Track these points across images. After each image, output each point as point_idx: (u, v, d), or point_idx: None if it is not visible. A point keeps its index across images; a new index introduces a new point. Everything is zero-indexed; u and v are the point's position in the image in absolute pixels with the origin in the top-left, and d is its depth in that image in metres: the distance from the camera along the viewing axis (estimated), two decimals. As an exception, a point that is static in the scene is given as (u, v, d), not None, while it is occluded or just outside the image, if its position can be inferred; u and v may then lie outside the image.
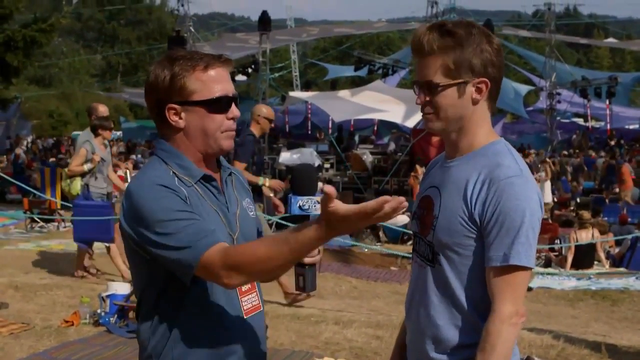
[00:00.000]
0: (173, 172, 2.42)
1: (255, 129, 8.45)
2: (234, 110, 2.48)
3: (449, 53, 2.42)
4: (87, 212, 9.68)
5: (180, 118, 2.43)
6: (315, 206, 2.63)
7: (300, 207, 2.56)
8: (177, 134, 2.46)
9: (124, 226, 2.40)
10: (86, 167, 9.61)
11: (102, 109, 10.09)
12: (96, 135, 9.72)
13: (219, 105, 2.44)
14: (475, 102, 2.47)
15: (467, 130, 2.50)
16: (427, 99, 2.48)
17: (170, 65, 2.42)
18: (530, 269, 2.40)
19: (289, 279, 8.47)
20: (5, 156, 30.74)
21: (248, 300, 2.53)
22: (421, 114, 2.55)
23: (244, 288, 2.51)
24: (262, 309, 2.59)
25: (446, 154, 2.60)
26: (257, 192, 8.52)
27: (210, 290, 2.43)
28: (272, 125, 9.11)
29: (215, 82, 2.44)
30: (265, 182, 8.58)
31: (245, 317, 2.50)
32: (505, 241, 2.36)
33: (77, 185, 9.68)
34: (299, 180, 2.56)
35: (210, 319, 2.43)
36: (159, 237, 2.30)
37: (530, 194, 2.40)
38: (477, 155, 2.48)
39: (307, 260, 2.44)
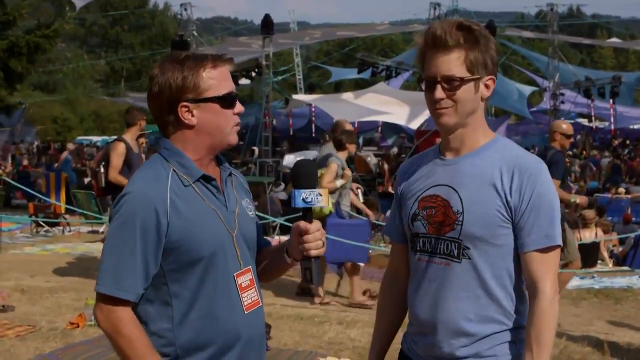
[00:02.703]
0: (174, 169, 2.49)
1: (557, 146, 8.27)
2: (239, 106, 2.58)
3: (472, 48, 2.49)
4: (344, 231, 8.95)
5: (193, 115, 2.50)
6: (317, 198, 2.66)
7: (303, 199, 2.57)
8: (185, 133, 2.52)
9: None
10: (338, 183, 9.04)
11: (349, 126, 9.79)
12: (342, 149, 9.24)
13: (228, 101, 2.53)
14: (483, 99, 2.56)
15: (474, 126, 2.58)
16: (447, 93, 2.51)
17: (180, 65, 2.49)
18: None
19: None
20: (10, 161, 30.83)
21: (248, 296, 2.57)
22: (432, 110, 2.57)
23: (244, 284, 2.56)
24: (261, 304, 2.64)
25: (444, 151, 2.64)
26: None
27: (211, 287, 2.48)
28: (571, 140, 8.88)
29: (223, 79, 2.54)
30: (577, 199, 8.47)
31: (245, 312, 2.55)
32: (544, 224, 2.48)
33: (329, 203, 8.95)
34: (301, 175, 2.57)
35: (211, 315, 2.48)
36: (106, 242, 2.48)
37: (551, 180, 2.54)
38: (487, 150, 2.56)
39: (313, 252, 2.51)
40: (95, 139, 53.79)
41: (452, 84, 2.49)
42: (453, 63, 2.49)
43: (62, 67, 67.65)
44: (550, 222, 2.49)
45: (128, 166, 8.99)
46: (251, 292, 2.58)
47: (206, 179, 2.53)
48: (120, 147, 9.08)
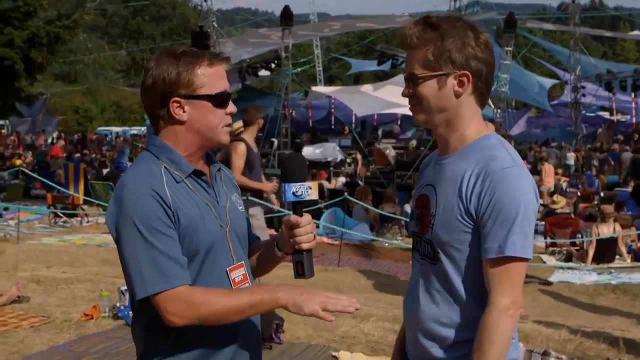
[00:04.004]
0: (165, 166, 2.47)
1: None
2: (232, 106, 2.56)
3: (429, 45, 2.44)
4: None
5: (184, 111, 2.48)
6: (307, 191, 2.65)
7: (294, 193, 2.56)
8: (176, 129, 2.50)
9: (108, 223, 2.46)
10: None
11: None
12: None
13: (220, 99, 2.51)
14: (457, 95, 2.46)
15: (455, 124, 2.50)
16: (411, 91, 2.51)
17: (176, 60, 2.47)
18: (527, 260, 2.37)
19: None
20: (30, 152, 31.03)
21: None
22: None
23: (237, 279, 2.55)
24: None
25: (439, 151, 2.61)
26: None
27: (205, 281, 2.46)
28: None
29: (218, 78, 2.51)
30: None
31: None
32: (500, 233, 2.34)
33: None
34: (290, 168, 2.56)
35: None
36: (134, 242, 2.36)
37: (525, 185, 2.38)
38: (470, 150, 2.48)
39: (304, 246, 2.51)
40: (116, 129, 54.14)
41: (413, 81, 2.49)
42: (413, 61, 2.48)
43: (83, 58, 68.08)
44: (508, 232, 2.34)
45: (249, 167, 8.44)
46: (245, 287, 2.57)
47: (197, 174, 2.52)
48: (241, 148, 8.36)
